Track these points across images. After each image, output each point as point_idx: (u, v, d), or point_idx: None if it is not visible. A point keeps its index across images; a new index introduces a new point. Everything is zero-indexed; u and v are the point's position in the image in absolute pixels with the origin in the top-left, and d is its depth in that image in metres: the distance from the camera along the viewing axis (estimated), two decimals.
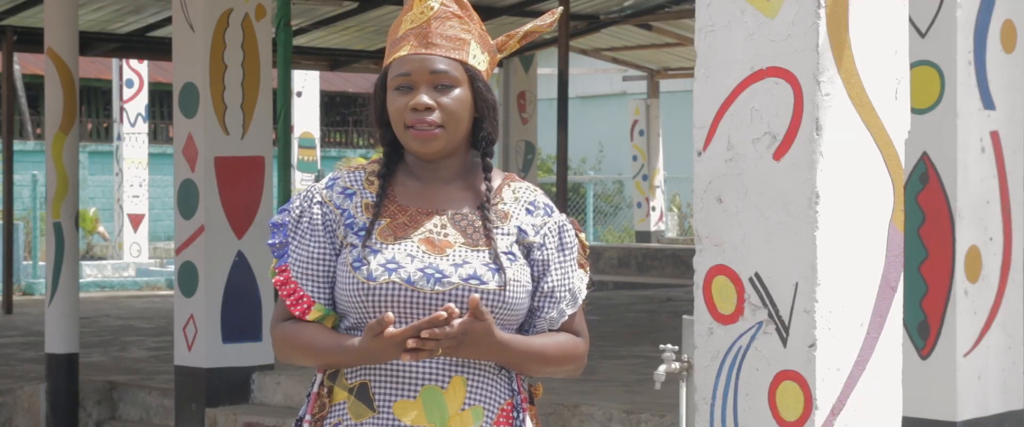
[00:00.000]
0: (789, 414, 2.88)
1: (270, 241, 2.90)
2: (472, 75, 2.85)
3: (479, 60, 2.87)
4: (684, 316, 3.86)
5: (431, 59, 2.82)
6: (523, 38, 2.96)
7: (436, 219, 2.84)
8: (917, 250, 4.25)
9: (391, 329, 2.69)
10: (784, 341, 2.89)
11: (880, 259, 2.96)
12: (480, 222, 2.84)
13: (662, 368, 3.85)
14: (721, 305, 2.99)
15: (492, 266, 2.79)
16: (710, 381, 3.02)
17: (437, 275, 2.77)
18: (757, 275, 2.92)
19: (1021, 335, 4.44)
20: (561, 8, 3.13)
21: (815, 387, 2.85)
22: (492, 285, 2.77)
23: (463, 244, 2.81)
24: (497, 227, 2.84)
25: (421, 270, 2.77)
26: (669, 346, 3.89)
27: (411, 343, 2.68)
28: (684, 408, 3.98)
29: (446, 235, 2.82)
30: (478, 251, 2.81)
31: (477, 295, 2.72)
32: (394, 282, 2.76)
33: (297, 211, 2.89)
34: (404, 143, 2.85)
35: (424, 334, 2.67)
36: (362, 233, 2.83)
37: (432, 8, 2.86)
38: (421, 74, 2.82)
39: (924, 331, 4.28)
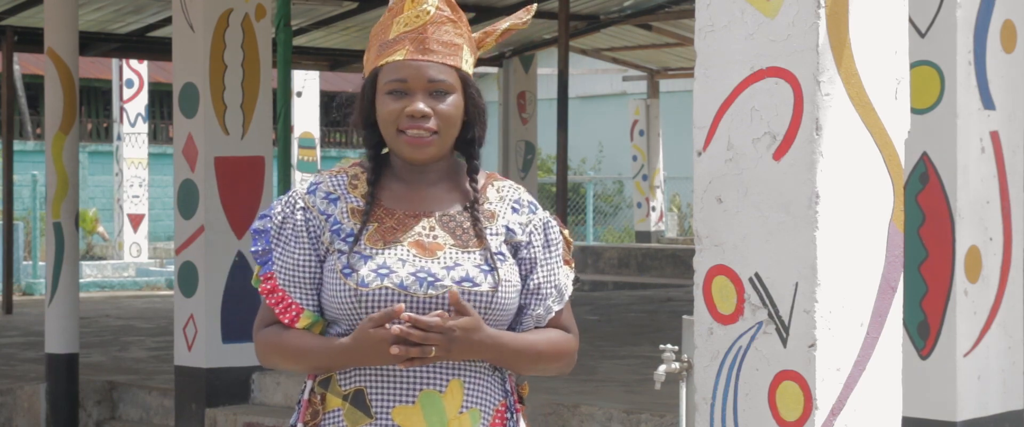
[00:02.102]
0: (789, 414, 2.88)
1: (253, 248, 2.87)
2: (465, 81, 2.85)
3: (469, 64, 2.88)
4: (684, 316, 3.85)
5: (429, 66, 2.82)
6: (501, 35, 2.96)
7: (424, 221, 2.83)
8: (917, 250, 4.25)
9: (396, 326, 2.67)
10: (784, 341, 2.89)
11: (880, 259, 2.96)
12: (469, 223, 2.84)
13: (662, 368, 3.85)
14: (721, 305, 2.99)
15: (484, 267, 2.79)
16: (710, 381, 3.02)
17: (429, 279, 2.75)
18: (757, 275, 2.92)
19: (1021, 335, 4.44)
20: (535, 5, 3.11)
21: (815, 387, 2.85)
22: (485, 287, 2.77)
23: (453, 246, 2.81)
24: (486, 227, 2.84)
25: (413, 274, 2.76)
26: (669, 346, 3.89)
27: (395, 350, 2.68)
28: (684, 408, 3.98)
29: (436, 237, 2.81)
30: (469, 252, 2.80)
31: (456, 290, 2.73)
32: (387, 287, 2.74)
33: (279, 217, 2.86)
34: (394, 147, 2.84)
35: (414, 336, 2.67)
36: (350, 239, 2.80)
37: (428, 13, 2.84)
38: (418, 81, 2.81)
39: (924, 331, 4.28)
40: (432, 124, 2.80)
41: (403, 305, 2.70)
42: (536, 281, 2.86)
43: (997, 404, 4.37)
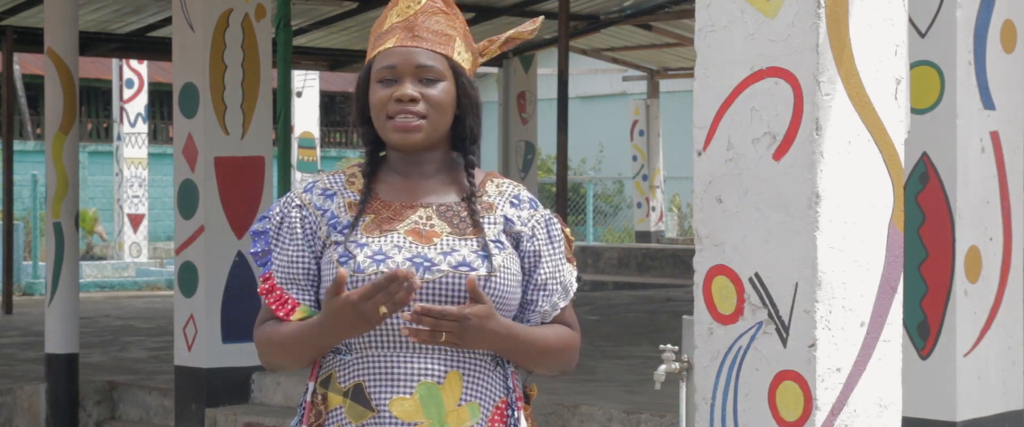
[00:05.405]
0: (789, 414, 2.88)
1: (252, 250, 2.87)
2: (457, 70, 2.85)
3: (463, 57, 2.87)
4: (684, 316, 3.85)
5: (417, 52, 2.82)
6: (504, 44, 2.97)
7: (421, 211, 2.83)
8: (917, 250, 4.25)
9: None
10: (784, 341, 2.88)
11: (880, 259, 2.96)
12: (466, 213, 2.83)
13: (662, 368, 3.84)
14: (721, 305, 2.99)
15: (481, 253, 2.78)
16: (710, 381, 3.02)
17: (426, 263, 2.75)
18: (757, 275, 2.92)
19: (1021, 335, 4.44)
20: (542, 17, 3.10)
21: (815, 387, 2.85)
22: (482, 271, 2.76)
23: (450, 233, 2.80)
24: (483, 217, 2.84)
25: (410, 259, 2.76)
26: (669, 346, 3.89)
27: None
28: (684, 408, 3.98)
29: (432, 226, 2.81)
30: (466, 240, 2.80)
31: (472, 276, 2.72)
32: (382, 273, 2.73)
33: (277, 217, 2.86)
34: (384, 136, 2.84)
35: (427, 322, 2.65)
36: (346, 230, 2.81)
37: (419, 3, 2.85)
38: (407, 67, 2.81)
39: (924, 331, 4.28)
40: (419, 108, 2.80)
41: (345, 270, 2.68)
42: (542, 276, 2.86)
43: (997, 404, 4.37)
